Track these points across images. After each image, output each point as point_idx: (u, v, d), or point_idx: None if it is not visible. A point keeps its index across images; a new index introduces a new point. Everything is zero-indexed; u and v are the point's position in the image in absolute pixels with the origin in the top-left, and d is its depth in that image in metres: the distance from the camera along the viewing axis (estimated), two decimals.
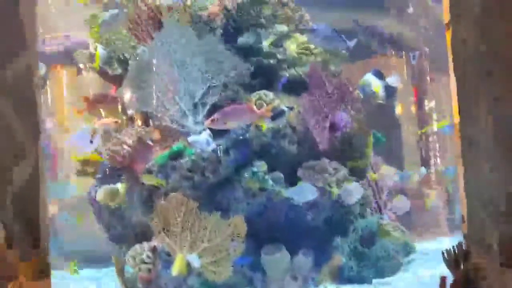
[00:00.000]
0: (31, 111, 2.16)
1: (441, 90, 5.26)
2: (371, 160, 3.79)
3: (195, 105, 3.30)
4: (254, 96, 3.30)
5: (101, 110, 3.51)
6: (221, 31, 3.44)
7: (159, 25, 3.43)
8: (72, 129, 4.48)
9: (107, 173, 3.53)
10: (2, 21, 4.12)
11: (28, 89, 3.94)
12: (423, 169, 4.93)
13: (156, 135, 3.26)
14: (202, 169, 3.09)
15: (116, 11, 3.44)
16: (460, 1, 3.46)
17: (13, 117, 3.51)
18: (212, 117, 2.93)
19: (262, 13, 3.39)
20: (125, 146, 3.20)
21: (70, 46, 4.44)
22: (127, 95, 3.32)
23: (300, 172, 3.23)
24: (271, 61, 3.44)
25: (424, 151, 5.26)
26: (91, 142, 3.16)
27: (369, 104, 3.52)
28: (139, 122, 3.44)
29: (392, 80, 3.47)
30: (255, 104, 3.23)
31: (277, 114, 3.29)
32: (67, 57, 4.34)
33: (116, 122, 3.38)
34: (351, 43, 3.20)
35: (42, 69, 3.56)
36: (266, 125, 3.13)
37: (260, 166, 3.13)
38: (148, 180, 3.15)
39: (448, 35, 4.25)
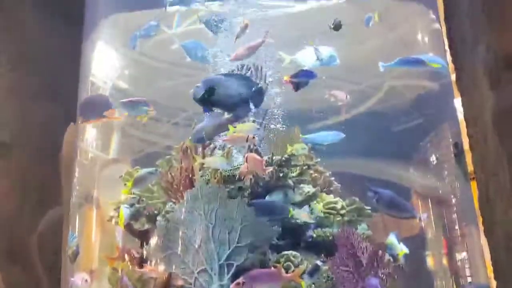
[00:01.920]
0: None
1: (471, 242, 5.11)
2: None
3: (220, 266, 3.26)
4: (281, 257, 3.29)
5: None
6: (249, 190, 3.54)
7: (190, 184, 3.55)
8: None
9: None
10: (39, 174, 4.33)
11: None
12: None
13: None
14: None
15: (151, 169, 3.58)
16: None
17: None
18: (238, 281, 2.88)
19: (290, 175, 3.54)
20: None
21: None
22: (156, 256, 3.34)
23: None
24: (299, 221, 3.47)
25: None
26: None
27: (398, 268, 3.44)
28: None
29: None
30: (283, 267, 3.21)
31: (312, 270, 3.24)
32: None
33: None
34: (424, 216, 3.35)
35: (73, 241, 3.64)
36: (305, 282, 3.07)
37: None
38: None
39: (473, 185, 4.26)
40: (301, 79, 3.51)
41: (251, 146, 3.52)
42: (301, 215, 3.51)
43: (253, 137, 3.34)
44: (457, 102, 4.02)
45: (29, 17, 4.16)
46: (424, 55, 3.68)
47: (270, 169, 3.42)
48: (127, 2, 4.19)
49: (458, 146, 3.90)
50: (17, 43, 4.17)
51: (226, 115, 3.20)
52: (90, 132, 4.54)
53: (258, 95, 3.09)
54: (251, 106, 3.06)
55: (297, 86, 3.49)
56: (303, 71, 3.53)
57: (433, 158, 4.21)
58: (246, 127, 3.34)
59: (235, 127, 3.21)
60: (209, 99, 2.95)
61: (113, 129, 4.59)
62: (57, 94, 4.48)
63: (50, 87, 4.31)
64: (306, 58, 3.76)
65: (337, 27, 3.75)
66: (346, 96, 3.83)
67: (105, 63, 4.56)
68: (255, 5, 4.13)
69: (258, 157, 3.36)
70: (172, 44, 4.42)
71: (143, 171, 3.61)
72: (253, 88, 3.05)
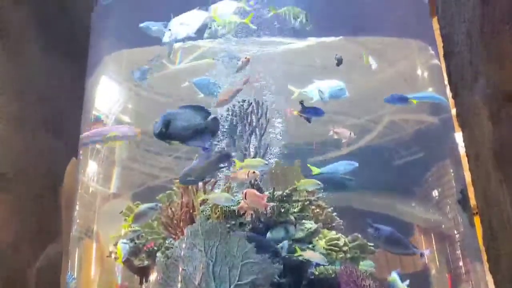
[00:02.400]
0: None
1: (476, 278, 5.03)
2: None
3: None
4: None
5: None
6: (250, 226, 3.51)
7: (191, 220, 3.53)
8: None
9: None
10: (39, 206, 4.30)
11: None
12: None
13: None
14: None
15: (152, 204, 3.57)
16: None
17: None
18: None
19: (292, 211, 3.51)
20: None
21: None
22: None
23: None
24: (300, 259, 3.42)
25: None
26: None
27: None
28: None
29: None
30: None
31: None
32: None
33: None
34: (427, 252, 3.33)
35: (72, 282, 3.60)
36: None
37: None
38: None
39: (477, 221, 4.20)
40: (309, 115, 3.58)
41: (253, 182, 3.51)
42: (313, 255, 3.46)
43: (254, 172, 3.34)
44: (458, 137, 4.03)
45: (33, 52, 4.22)
46: (424, 92, 3.73)
47: (271, 205, 3.40)
48: (130, 39, 4.27)
49: (463, 192, 3.88)
50: (21, 76, 4.22)
51: (214, 157, 3.24)
52: (91, 166, 4.55)
53: (213, 124, 3.12)
54: (208, 136, 3.08)
55: (308, 119, 3.58)
56: (313, 108, 3.61)
57: (435, 193, 4.19)
58: (254, 163, 3.36)
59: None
60: (166, 133, 2.97)
61: (114, 163, 4.60)
62: (59, 128, 4.50)
63: (52, 120, 4.33)
64: (315, 91, 3.81)
65: (338, 62, 3.82)
66: (350, 134, 3.85)
67: (108, 97, 4.62)
68: (257, 42, 4.20)
69: (257, 193, 3.35)
70: (175, 78, 4.48)
71: (143, 206, 3.59)
72: (208, 118, 3.08)
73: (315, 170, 3.77)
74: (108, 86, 4.58)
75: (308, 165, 3.82)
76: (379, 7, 3.93)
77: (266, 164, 3.51)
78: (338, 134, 3.86)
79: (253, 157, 3.80)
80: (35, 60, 4.26)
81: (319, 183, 3.64)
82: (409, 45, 4.23)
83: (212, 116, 3.11)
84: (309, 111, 3.57)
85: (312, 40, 4.26)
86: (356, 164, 3.74)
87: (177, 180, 3.84)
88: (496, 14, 3.19)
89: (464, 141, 3.68)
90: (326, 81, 3.80)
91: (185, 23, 3.42)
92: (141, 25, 3.78)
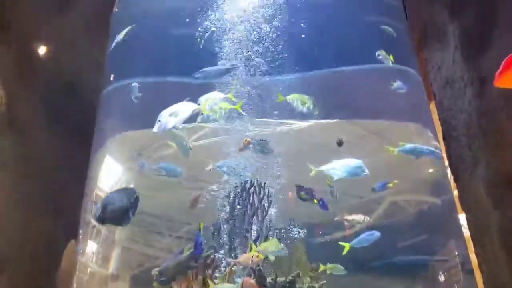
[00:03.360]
0: None
1: None
2: None
3: None
4: None
5: None
6: None
7: None
8: None
9: None
10: None
11: None
12: None
13: None
14: None
15: None
16: None
17: None
18: None
19: None
20: None
21: None
22: None
23: None
24: None
25: None
26: None
27: None
28: None
29: None
30: None
31: None
32: None
33: None
34: None
35: None
36: None
37: None
38: None
39: None
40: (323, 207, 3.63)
41: (255, 267, 3.43)
42: None
43: (257, 256, 3.29)
44: (462, 218, 4.01)
45: (40, 134, 4.29)
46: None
47: None
48: (134, 123, 4.36)
49: None
50: (26, 157, 4.25)
51: (186, 256, 3.29)
52: (91, 246, 4.47)
53: (134, 205, 3.18)
54: (130, 215, 3.14)
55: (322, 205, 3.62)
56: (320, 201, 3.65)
57: (441, 277, 4.09)
58: (270, 246, 3.33)
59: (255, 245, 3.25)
60: (102, 217, 3.07)
61: (114, 243, 4.52)
62: (59, 207, 4.48)
63: (53, 202, 4.32)
64: (333, 170, 3.82)
65: (339, 143, 3.88)
66: (364, 219, 3.84)
67: (110, 177, 4.63)
68: (261, 123, 4.28)
69: (254, 283, 3.27)
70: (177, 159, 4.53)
71: None
72: (131, 199, 3.15)
73: (346, 246, 3.71)
74: (111, 166, 4.61)
75: (340, 243, 3.76)
76: (378, 92, 4.05)
77: (283, 249, 3.47)
78: (350, 221, 3.84)
79: (254, 240, 3.74)
80: (41, 141, 4.33)
81: (342, 268, 3.60)
82: (409, 128, 4.32)
83: (135, 196, 3.20)
84: (322, 204, 3.63)
85: (312, 121, 4.35)
86: (378, 234, 3.69)
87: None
88: (492, 104, 3.30)
89: (468, 225, 3.66)
90: (345, 159, 3.81)
91: (174, 114, 3.53)
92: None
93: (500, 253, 3.49)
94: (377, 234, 3.71)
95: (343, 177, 3.69)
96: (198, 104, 3.68)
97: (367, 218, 3.84)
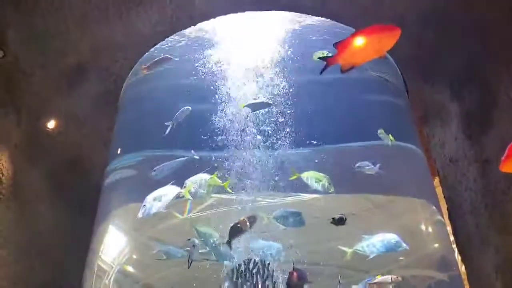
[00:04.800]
0: None
1: None
2: None
3: None
4: None
5: None
6: None
7: None
8: None
9: None
10: None
11: None
12: None
13: None
14: None
15: None
16: None
17: None
18: None
19: None
20: None
21: None
22: None
23: None
24: None
25: None
26: None
27: None
28: None
29: None
30: None
31: None
32: None
33: None
34: None
35: None
36: None
37: None
38: None
39: None
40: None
41: None
42: None
43: None
44: None
45: (43, 210, 4.27)
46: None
47: None
48: (138, 196, 4.36)
49: None
50: (28, 234, 4.22)
51: None
52: None
53: None
54: None
55: None
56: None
57: None
58: None
59: None
60: None
61: None
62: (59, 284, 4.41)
63: (53, 281, 4.25)
64: (368, 247, 3.79)
65: (339, 221, 3.83)
66: (391, 279, 3.75)
67: (113, 248, 4.58)
68: (262, 194, 4.28)
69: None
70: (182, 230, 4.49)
71: None
72: None
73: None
74: (114, 237, 4.56)
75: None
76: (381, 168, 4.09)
77: None
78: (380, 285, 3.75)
79: None
80: (44, 217, 4.32)
81: None
82: (413, 202, 4.33)
83: None
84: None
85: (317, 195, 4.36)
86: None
87: None
88: (497, 185, 3.36)
89: None
90: (379, 235, 3.78)
91: (157, 198, 3.58)
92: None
93: None
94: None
95: (380, 252, 3.66)
96: (184, 187, 3.72)
97: (396, 277, 3.73)
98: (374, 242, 3.72)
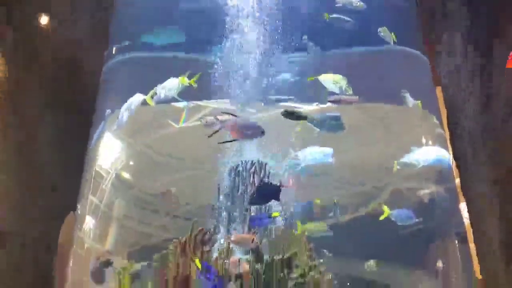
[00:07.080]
0: None
1: None
2: None
3: None
4: None
5: None
6: None
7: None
8: None
9: None
10: None
11: None
12: None
13: None
14: None
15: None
16: None
17: None
18: None
19: (291, 276, 3.35)
20: None
21: None
22: None
23: None
24: None
25: None
26: None
27: None
28: None
29: None
30: None
31: None
32: None
33: None
34: None
35: None
36: None
37: None
38: None
39: None
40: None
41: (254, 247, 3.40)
42: None
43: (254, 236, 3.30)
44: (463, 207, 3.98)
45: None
46: None
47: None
48: None
49: None
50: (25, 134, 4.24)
51: None
52: (88, 223, 4.44)
53: None
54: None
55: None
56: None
57: (440, 264, 4.03)
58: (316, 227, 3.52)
59: None
60: None
61: (111, 220, 4.49)
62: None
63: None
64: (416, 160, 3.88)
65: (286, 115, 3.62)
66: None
67: (110, 153, 4.59)
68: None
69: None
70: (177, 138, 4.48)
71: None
72: None
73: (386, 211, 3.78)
74: (112, 143, 4.56)
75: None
76: (382, 75, 3.96)
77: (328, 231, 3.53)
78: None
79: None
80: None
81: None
82: (413, 113, 4.22)
83: None
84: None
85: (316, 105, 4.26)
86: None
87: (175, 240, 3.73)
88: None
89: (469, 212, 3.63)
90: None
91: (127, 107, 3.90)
92: None
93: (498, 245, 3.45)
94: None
95: (427, 164, 3.70)
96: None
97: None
98: (422, 153, 3.78)
